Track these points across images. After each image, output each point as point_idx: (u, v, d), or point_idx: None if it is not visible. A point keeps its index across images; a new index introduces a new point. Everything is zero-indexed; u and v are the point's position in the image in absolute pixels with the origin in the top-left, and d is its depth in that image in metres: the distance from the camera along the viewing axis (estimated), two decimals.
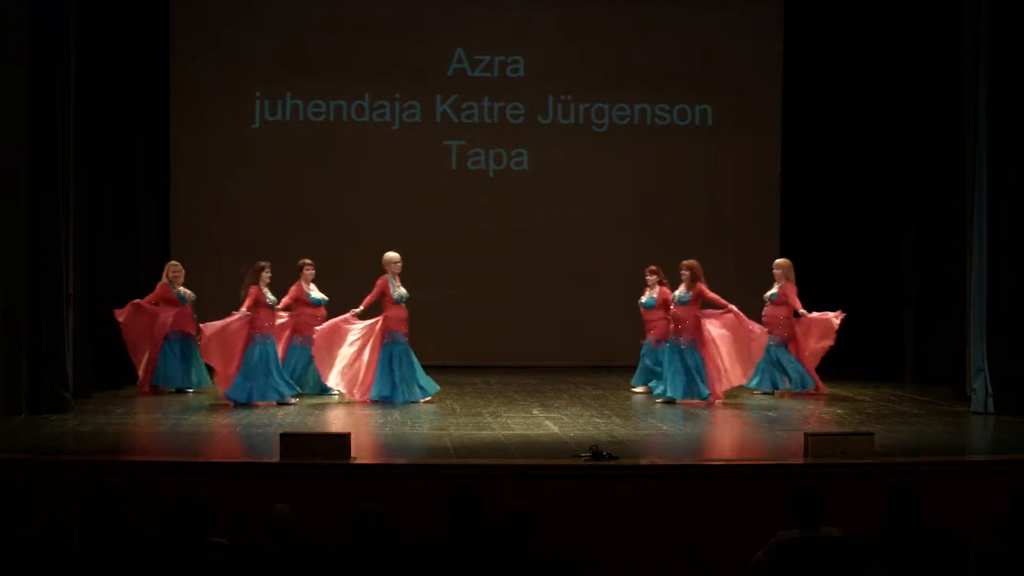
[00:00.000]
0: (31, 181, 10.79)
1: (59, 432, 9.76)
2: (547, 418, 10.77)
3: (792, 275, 12.57)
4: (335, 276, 13.08)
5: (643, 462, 8.76)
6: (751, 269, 14.04)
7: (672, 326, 12.13)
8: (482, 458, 8.71)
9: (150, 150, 14.41)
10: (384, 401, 11.68)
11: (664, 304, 12.43)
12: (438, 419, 10.79)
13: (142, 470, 8.27)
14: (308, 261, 12.45)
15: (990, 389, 11.00)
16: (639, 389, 12.71)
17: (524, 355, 15.30)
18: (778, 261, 12.77)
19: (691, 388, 11.78)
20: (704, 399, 11.69)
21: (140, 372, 12.54)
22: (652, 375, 12.51)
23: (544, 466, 8.44)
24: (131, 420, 10.69)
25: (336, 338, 11.88)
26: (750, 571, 6.10)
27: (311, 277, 12.43)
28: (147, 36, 14.21)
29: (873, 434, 8.78)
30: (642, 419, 10.92)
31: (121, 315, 12.41)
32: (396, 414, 11.01)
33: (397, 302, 11.93)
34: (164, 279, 12.71)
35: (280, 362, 11.85)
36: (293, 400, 11.69)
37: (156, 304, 12.63)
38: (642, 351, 12.74)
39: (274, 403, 11.55)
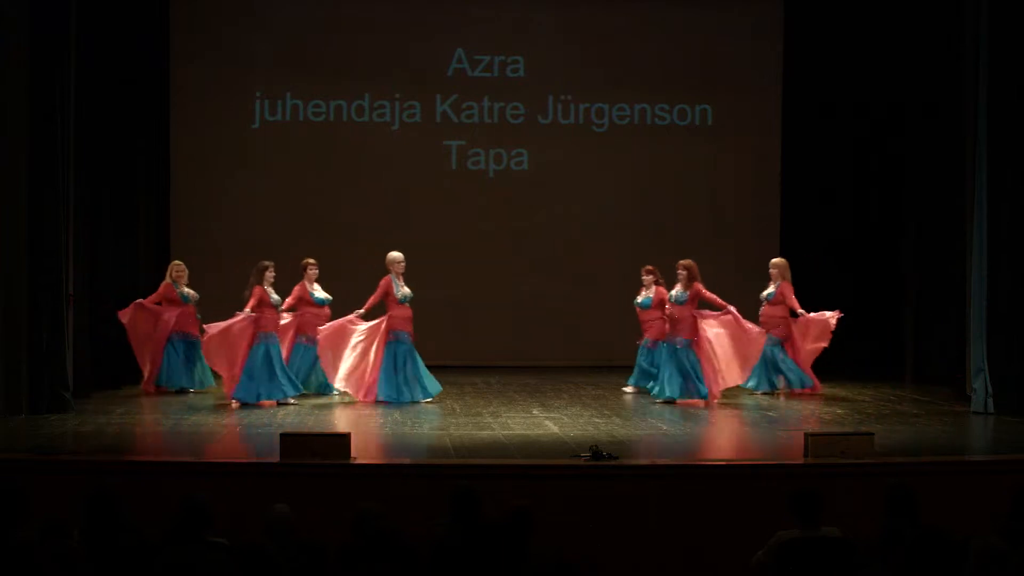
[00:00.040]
0: (31, 181, 10.79)
1: (59, 432, 9.76)
2: (547, 418, 10.77)
3: (788, 274, 12.57)
4: (335, 276, 13.07)
5: (643, 462, 8.76)
6: (751, 269, 14.02)
7: (668, 326, 12.13)
8: (482, 458, 8.71)
9: (150, 150, 14.40)
10: (390, 402, 11.67)
11: (660, 304, 12.43)
12: (438, 419, 10.79)
13: (142, 470, 8.27)
14: (312, 261, 12.45)
15: (990, 389, 11.00)
16: (628, 389, 12.71)
17: (524, 355, 15.30)
18: (774, 260, 12.77)
19: (688, 388, 11.78)
20: (703, 398, 11.69)
21: (145, 372, 12.54)
22: (648, 377, 12.50)
23: (544, 466, 8.44)
24: (131, 420, 10.68)
25: (341, 339, 11.87)
26: (750, 571, 6.10)
27: (315, 277, 12.43)
28: (147, 36, 14.20)
29: (873, 434, 8.79)
30: (642, 419, 10.91)
31: (125, 316, 12.40)
32: (396, 414, 11.01)
33: (401, 302, 11.93)
34: (168, 279, 12.70)
35: (285, 362, 11.86)
36: (292, 400, 11.69)
37: (160, 304, 12.62)
38: (638, 353, 12.74)
39: (275, 403, 11.55)
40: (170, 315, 12.50)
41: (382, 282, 11.96)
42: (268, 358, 11.60)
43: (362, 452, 8.60)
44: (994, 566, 5.04)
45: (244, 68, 15.27)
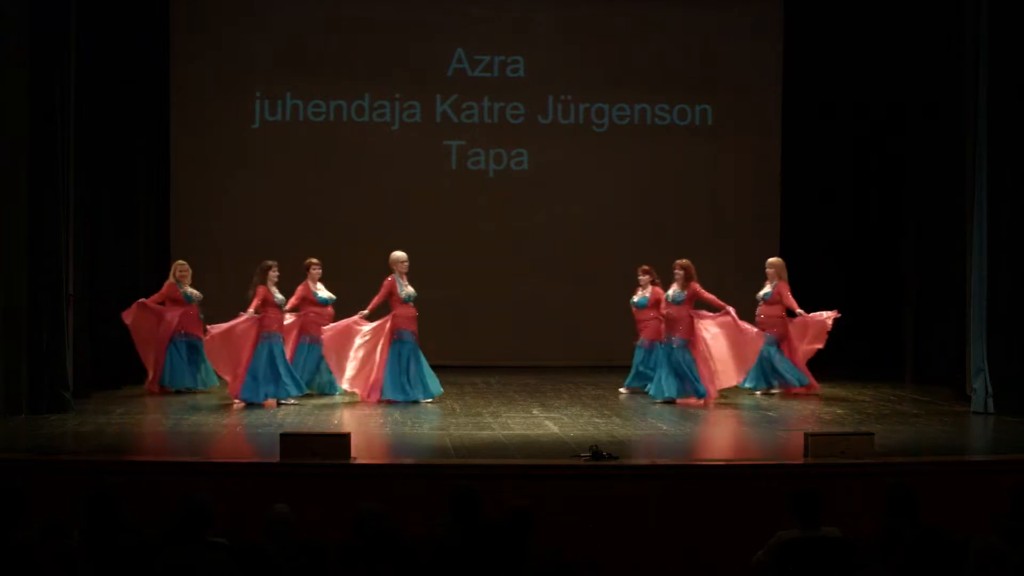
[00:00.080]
0: (31, 181, 10.79)
1: (59, 432, 9.76)
2: (547, 418, 10.77)
3: (785, 274, 12.57)
4: (335, 276, 13.06)
5: (643, 462, 8.76)
6: (751, 269, 14.00)
7: (665, 326, 12.13)
8: (482, 458, 8.71)
9: (150, 150, 14.40)
10: (395, 401, 11.67)
11: (656, 304, 12.43)
12: (438, 419, 10.79)
13: (142, 470, 8.27)
14: (315, 260, 12.45)
15: (990, 389, 11.00)
16: (623, 391, 12.70)
17: (524, 355, 15.30)
18: (771, 260, 12.76)
19: (685, 387, 11.78)
20: (701, 397, 11.69)
21: (150, 372, 12.53)
22: (643, 378, 12.48)
23: (544, 466, 8.44)
24: (131, 420, 10.68)
25: (346, 340, 11.86)
26: (750, 571, 6.10)
27: (318, 276, 12.43)
28: (147, 36, 14.21)
29: (873, 434, 8.79)
30: (642, 419, 10.91)
31: (128, 316, 12.39)
32: (396, 414, 11.01)
33: (405, 301, 11.93)
34: (171, 279, 12.68)
35: (289, 362, 11.86)
36: (292, 400, 11.68)
37: (163, 304, 12.61)
38: (634, 354, 12.72)
39: (275, 402, 11.56)
40: (173, 315, 12.49)
41: (386, 282, 11.96)
42: (272, 358, 11.59)
43: (362, 452, 8.60)
44: (994, 566, 5.04)
45: (244, 68, 15.27)
